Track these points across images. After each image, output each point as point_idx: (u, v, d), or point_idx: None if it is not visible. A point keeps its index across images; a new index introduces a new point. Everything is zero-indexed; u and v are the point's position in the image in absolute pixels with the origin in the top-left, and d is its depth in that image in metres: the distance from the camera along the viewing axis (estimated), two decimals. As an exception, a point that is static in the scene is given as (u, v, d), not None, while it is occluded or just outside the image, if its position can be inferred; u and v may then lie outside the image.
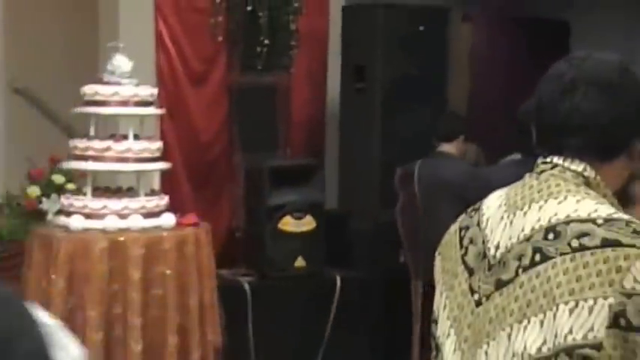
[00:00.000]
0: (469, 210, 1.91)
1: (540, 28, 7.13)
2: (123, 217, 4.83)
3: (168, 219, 4.96)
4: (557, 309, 1.63)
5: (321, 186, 6.09)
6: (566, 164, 1.77)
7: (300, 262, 5.89)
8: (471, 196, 4.65)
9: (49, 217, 5.28)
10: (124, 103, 4.93)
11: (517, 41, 7.02)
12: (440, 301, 1.89)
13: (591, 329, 1.60)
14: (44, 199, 5.52)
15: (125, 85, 4.96)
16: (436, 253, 1.96)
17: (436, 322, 1.90)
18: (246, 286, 5.69)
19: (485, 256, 1.79)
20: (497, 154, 5.38)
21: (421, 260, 5.34)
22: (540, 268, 1.67)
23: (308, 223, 5.88)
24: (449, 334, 1.84)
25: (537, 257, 1.68)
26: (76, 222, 4.79)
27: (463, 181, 5.04)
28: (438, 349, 1.88)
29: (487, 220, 1.82)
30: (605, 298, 1.60)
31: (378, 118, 6.28)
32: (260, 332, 5.67)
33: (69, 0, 6.86)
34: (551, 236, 1.68)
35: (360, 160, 6.42)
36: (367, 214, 6.31)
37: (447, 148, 5.44)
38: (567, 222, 1.68)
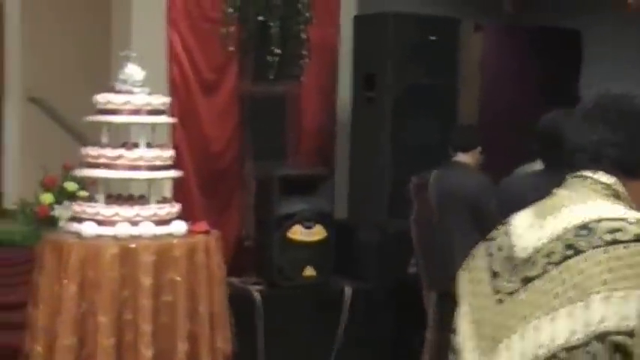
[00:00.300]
0: (499, 225, 1.99)
1: (552, 37, 7.12)
2: (134, 224, 4.85)
3: (179, 226, 4.98)
4: (589, 299, 1.68)
5: (331, 195, 6.10)
6: (596, 177, 1.87)
7: (309, 271, 5.91)
8: (486, 208, 4.69)
9: (61, 223, 5.33)
10: (136, 111, 4.95)
11: (529, 51, 7.01)
12: (463, 309, 1.95)
13: (624, 318, 1.65)
14: (56, 206, 5.58)
15: (137, 93, 4.99)
16: (462, 268, 2.01)
17: (456, 331, 1.94)
18: (256, 295, 5.71)
19: (511, 259, 1.86)
20: (508, 165, 5.38)
21: (435, 270, 5.33)
22: (571, 261, 1.73)
23: (317, 233, 5.90)
24: (469, 337, 1.89)
25: (568, 252, 1.74)
26: (88, 228, 4.82)
27: (479, 192, 5.04)
28: (456, 353, 1.93)
29: (516, 228, 1.90)
30: (638, 288, 1.66)
31: (388, 127, 6.29)
32: (269, 340, 5.68)
33: (82, 11, 6.93)
34: (583, 232, 1.75)
35: (369, 170, 6.43)
36: (376, 224, 6.31)
37: (463, 158, 5.40)
38: (599, 220, 1.76)
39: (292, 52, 5.99)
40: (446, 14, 6.72)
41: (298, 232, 5.83)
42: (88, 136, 5.75)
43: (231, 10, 5.91)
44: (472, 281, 1.95)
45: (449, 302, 2.00)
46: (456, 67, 6.56)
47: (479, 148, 5.46)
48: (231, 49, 5.98)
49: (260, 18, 5.98)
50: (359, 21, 6.59)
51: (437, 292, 5.35)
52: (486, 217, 4.59)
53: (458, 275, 2.01)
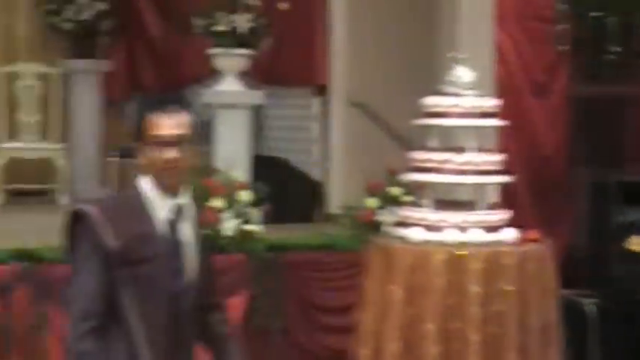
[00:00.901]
0: None
1: None
2: (462, 230, 4.72)
3: (510, 234, 4.78)
4: None
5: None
6: None
7: (649, 285, 5.56)
8: None
9: (385, 228, 5.30)
10: (465, 114, 4.82)
11: None
12: None
13: None
14: (380, 211, 5.58)
15: (466, 96, 4.84)
16: None
17: None
18: (589, 308, 5.49)
19: None
20: None
21: None
22: None
23: (660, 244, 5.56)
24: None
25: None
26: (416, 234, 4.75)
27: None
28: None
29: None
30: None
31: None
32: (602, 357, 5.42)
33: (406, 13, 6.92)
34: None
35: None
36: None
37: None
38: None
39: (633, 49, 5.65)
40: None
41: (638, 243, 5.49)
42: (412, 140, 5.69)
43: (563, 6, 5.67)
44: None
45: None
46: None
47: None
48: (564, 48, 5.72)
49: (595, 14, 5.69)
50: None
51: None
52: None
53: None
